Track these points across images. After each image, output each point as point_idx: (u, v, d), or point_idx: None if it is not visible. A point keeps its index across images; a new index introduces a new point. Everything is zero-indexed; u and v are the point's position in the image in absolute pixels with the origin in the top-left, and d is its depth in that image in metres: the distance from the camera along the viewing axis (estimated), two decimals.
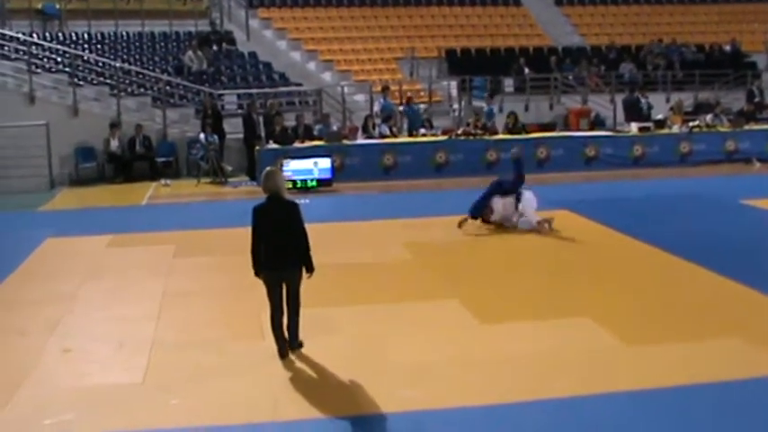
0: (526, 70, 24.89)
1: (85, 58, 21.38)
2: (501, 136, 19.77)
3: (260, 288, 7.53)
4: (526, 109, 23.45)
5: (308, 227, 7.48)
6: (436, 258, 11.28)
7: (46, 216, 15.71)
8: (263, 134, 19.39)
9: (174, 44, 24.41)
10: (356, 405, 6.47)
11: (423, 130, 20.34)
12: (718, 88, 25.68)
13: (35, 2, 24.16)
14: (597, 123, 22.81)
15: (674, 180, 18.08)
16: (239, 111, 21.02)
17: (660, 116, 21.63)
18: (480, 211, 13.01)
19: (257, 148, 18.67)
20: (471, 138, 19.41)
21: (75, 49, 21.88)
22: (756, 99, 24.38)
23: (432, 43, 26.52)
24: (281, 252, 7.33)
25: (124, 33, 24.21)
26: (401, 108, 21.51)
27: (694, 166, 19.93)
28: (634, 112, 22.32)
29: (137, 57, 22.95)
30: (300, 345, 7.55)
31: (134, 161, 19.74)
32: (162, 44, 24.38)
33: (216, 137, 19.12)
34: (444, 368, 7.13)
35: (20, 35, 21.10)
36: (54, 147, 18.71)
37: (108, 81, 20.99)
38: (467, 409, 6.32)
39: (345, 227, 13.43)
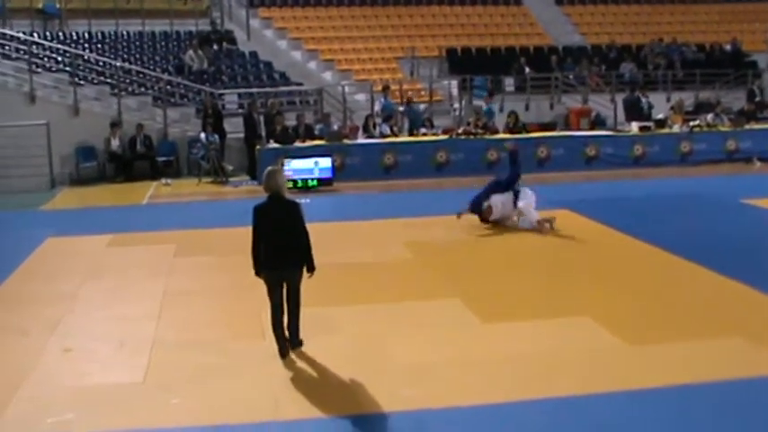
0: (527, 70, 24.88)
1: (86, 57, 21.37)
2: (502, 135, 19.77)
3: (260, 287, 7.54)
4: (527, 108, 23.45)
5: (308, 226, 7.48)
6: (437, 258, 11.28)
7: (46, 215, 15.72)
8: (263, 134, 19.38)
9: (175, 43, 24.41)
10: (357, 404, 6.47)
11: (423, 130, 20.34)
12: (718, 88, 25.67)
13: (36, 1, 24.16)
14: (598, 123, 22.81)
15: (675, 179, 18.08)
16: (240, 110, 21.02)
17: (661, 116, 21.63)
18: (478, 206, 13.01)
19: (258, 147, 18.68)
20: (472, 137, 19.42)
21: (76, 48, 21.87)
22: (757, 98, 24.38)
23: (432, 42, 26.51)
24: (281, 251, 7.33)
25: (125, 33, 24.21)
26: (401, 108, 21.50)
27: (695, 165, 19.93)
28: (634, 111, 22.33)
29: (137, 56, 22.95)
30: (300, 343, 7.56)
31: (135, 160, 19.73)
32: (162, 43, 24.38)
33: (216, 136, 19.12)
34: (445, 367, 7.13)
35: (20, 34, 21.09)
36: (55, 146, 18.72)
37: (109, 80, 20.99)
38: (468, 408, 6.32)
39: (346, 226, 13.43)
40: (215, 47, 24.05)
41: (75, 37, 23.35)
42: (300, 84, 23.12)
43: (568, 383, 6.73)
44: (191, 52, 22.78)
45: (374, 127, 19.95)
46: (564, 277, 10.22)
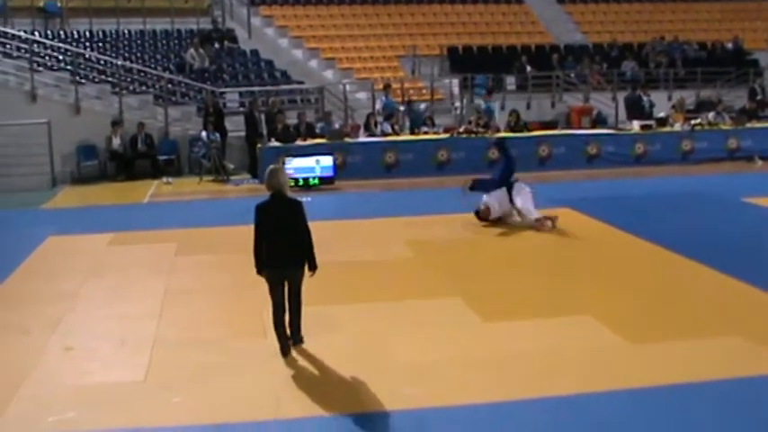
0: (528, 68, 24.85)
1: (87, 56, 21.38)
2: (503, 134, 19.76)
3: (262, 286, 7.54)
4: (528, 107, 23.42)
5: (309, 225, 7.48)
6: (438, 256, 11.28)
7: (48, 214, 15.72)
8: (264, 132, 19.39)
9: (176, 42, 24.42)
10: (359, 403, 6.47)
11: (425, 128, 20.33)
12: (720, 86, 25.65)
13: (37, 0, 24.16)
14: (599, 121, 22.78)
15: (676, 178, 18.08)
16: (241, 109, 21.02)
17: (662, 114, 21.64)
18: (481, 187, 13.10)
19: (259, 145, 18.68)
20: (473, 136, 19.41)
21: (77, 47, 21.88)
22: (758, 97, 24.33)
23: (434, 41, 26.49)
24: (283, 250, 7.33)
25: (126, 31, 24.22)
26: (402, 107, 21.49)
27: (696, 164, 19.93)
28: (636, 109, 22.30)
29: (138, 55, 22.96)
30: (302, 340, 7.57)
31: (136, 159, 19.73)
32: (164, 42, 24.38)
33: (218, 135, 19.12)
34: (447, 366, 7.13)
35: (21, 33, 21.08)
36: (56, 145, 18.72)
37: (110, 79, 20.99)
38: (469, 406, 6.32)
39: (347, 225, 13.43)
40: (216, 45, 24.06)
41: (76, 35, 23.36)
42: (302, 82, 23.11)
43: (570, 382, 6.73)
44: (192, 51, 22.78)
45: (375, 125, 19.95)
46: (565, 276, 10.21)
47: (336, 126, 19.79)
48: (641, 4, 30.34)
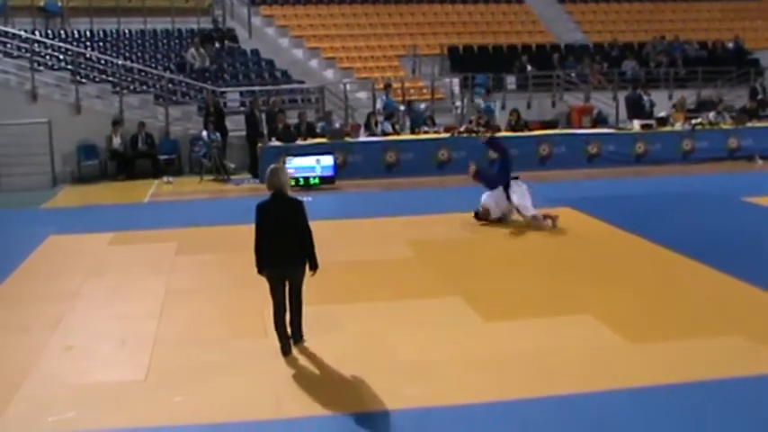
0: (529, 67, 24.83)
1: (88, 55, 21.38)
2: (504, 133, 19.76)
3: (262, 285, 7.54)
4: (528, 106, 23.41)
5: (310, 224, 7.48)
6: (439, 256, 11.27)
7: (48, 213, 15.72)
8: (265, 131, 19.39)
9: (177, 41, 24.41)
10: (359, 402, 6.47)
11: (425, 128, 20.33)
12: (720, 85, 25.63)
13: None
14: (600, 121, 22.76)
15: (677, 177, 18.08)
16: (242, 108, 21.02)
17: (663, 113, 21.63)
18: (485, 179, 13.20)
19: (260, 145, 18.69)
20: (473, 135, 19.38)
21: (78, 46, 21.88)
22: (759, 96, 24.31)
23: (434, 40, 26.48)
24: (284, 249, 7.33)
25: (126, 31, 24.21)
26: (402, 107, 21.49)
27: (697, 163, 19.92)
28: (636, 109, 22.30)
29: (139, 54, 22.95)
30: (302, 338, 7.58)
31: (136, 159, 19.73)
32: (164, 41, 24.38)
33: (218, 134, 19.12)
34: (447, 365, 7.13)
35: (22, 33, 21.07)
36: (56, 144, 18.73)
37: (110, 78, 20.98)
38: (470, 406, 6.32)
39: (348, 224, 13.43)
40: (217, 45, 24.05)
41: (76, 35, 23.35)
42: (302, 82, 23.11)
43: (570, 381, 6.73)
44: (192, 50, 22.78)
45: (376, 125, 19.95)
46: (565, 275, 10.20)
47: (337, 125, 19.79)
48: (642, 4, 30.32)
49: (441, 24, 27.49)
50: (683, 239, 11.55)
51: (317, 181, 17.32)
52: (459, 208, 13.55)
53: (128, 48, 23.35)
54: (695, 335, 7.81)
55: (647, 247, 11.39)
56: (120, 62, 21.12)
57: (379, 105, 21.19)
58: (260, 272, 7.48)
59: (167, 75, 21.36)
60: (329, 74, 24.53)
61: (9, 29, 21.35)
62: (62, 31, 23.41)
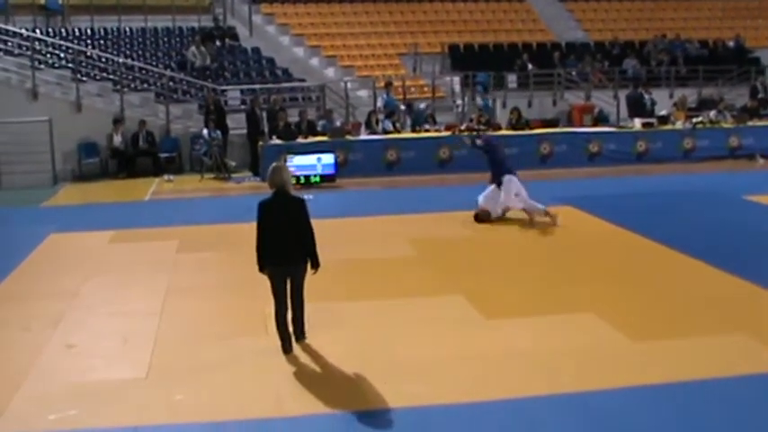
0: (529, 66, 24.82)
1: (88, 53, 21.36)
2: (504, 131, 19.75)
3: (264, 283, 7.53)
4: (529, 105, 23.40)
5: (312, 222, 7.47)
6: (440, 254, 11.27)
7: (49, 212, 15.71)
8: (266, 130, 19.38)
9: (177, 40, 24.39)
10: (361, 400, 6.47)
11: (426, 126, 20.32)
12: (721, 84, 25.61)
13: None
14: (600, 119, 22.75)
15: (678, 176, 18.07)
16: (242, 106, 21.01)
17: (663, 112, 21.59)
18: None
19: (260, 143, 18.67)
20: (474, 133, 19.35)
21: (79, 44, 21.85)
22: (760, 95, 24.29)
23: (435, 39, 26.47)
24: (286, 247, 7.32)
25: (127, 29, 24.18)
26: (403, 105, 21.48)
27: (698, 162, 19.90)
28: (637, 107, 22.27)
29: (140, 52, 22.93)
30: (304, 335, 7.58)
31: (137, 157, 19.73)
32: (165, 40, 24.35)
33: (219, 132, 19.10)
34: (449, 363, 7.13)
35: (23, 31, 21.05)
36: (57, 142, 18.72)
37: (111, 77, 20.96)
38: (472, 404, 6.32)
39: (349, 222, 13.42)
40: (217, 43, 24.03)
41: (77, 33, 23.31)
42: (303, 80, 23.09)
43: (572, 379, 6.73)
44: (193, 48, 22.76)
45: (377, 123, 19.93)
46: (567, 273, 10.20)
47: (338, 124, 19.78)
48: (643, 2, 30.29)
49: (441, 23, 27.48)
50: (685, 238, 11.55)
51: (317, 179, 17.31)
52: (460, 206, 13.54)
53: (128, 46, 23.33)
54: (697, 333, 7.81)
55: (648, 246, 11.39)
56: (120, 60, 21.10)
57: (379, 104, 21.18)
58: (261, 270, 7.47)
59: (168, 73, 21.35)
60: (330, 72, 24.52)
61: (10, 27, 21.31)
62: (63, 29, 23.37)
